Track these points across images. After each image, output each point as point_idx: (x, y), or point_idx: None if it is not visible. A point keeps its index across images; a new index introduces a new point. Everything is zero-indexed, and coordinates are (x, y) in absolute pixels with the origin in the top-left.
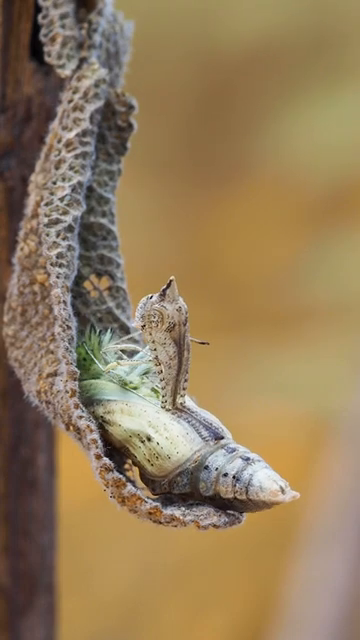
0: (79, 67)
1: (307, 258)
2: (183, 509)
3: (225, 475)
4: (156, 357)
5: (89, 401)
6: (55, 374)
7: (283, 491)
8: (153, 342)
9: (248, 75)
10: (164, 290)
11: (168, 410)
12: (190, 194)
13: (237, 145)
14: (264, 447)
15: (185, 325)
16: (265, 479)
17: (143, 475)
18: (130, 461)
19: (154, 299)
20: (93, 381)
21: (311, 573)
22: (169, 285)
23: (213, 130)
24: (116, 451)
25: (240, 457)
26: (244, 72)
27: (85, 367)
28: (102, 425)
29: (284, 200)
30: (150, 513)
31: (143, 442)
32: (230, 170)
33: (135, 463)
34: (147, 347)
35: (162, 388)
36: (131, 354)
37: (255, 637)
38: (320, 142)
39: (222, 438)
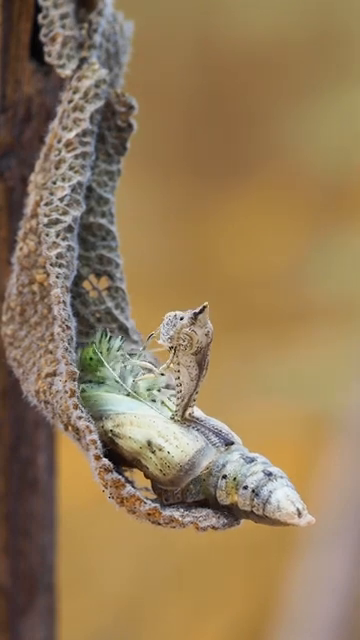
0: (79, 67)
1: (308, 258)
2: (182, 510)
3: (245, 488)
4: (178, 377)
5: (97, 415)
6: (54, 374)
7: (300, 514)
8: (178, 364)
9: (249, 75)
10: (196, 314)
11: (177, 421)
12: (190, 194)
13: (238, 145)
14: (264, 447)
15: (209, 346)
16: (283, 499)
17: (155, 486)
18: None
19: (185, 322)
20: (99, 393)
21: (311, 573)
22: (202, 310)
23: (214, 130)
24: (127, 463)
25: (263, 471)
26: (245, 72)
27: (91, 367)
28: (112, 439)
29: (285, 200)
30: (149, 514)
31: (154, 452)
32: (230, 170)
33: (147, 475)
34: (147, 350)
35: (177, 404)
36: (131, 355)
37: (255, 637)
38: (322, 142)
39: (232, 444)
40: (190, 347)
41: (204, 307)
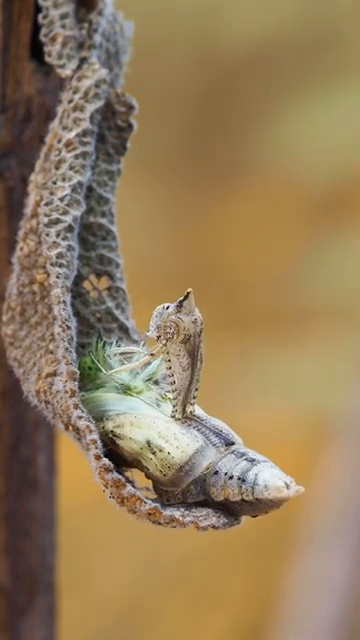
0: (79, 67)
1: (308, 258)
2: (182, 510)
3: (231, 477)
4: (169, 367)
5: (98, 416)
6: (54, 374)
7: (288, 486)
8: (167, 353)
9: (248, 75)
10: (181, 302)
11: (178, 420)
12: (190, 194)
13: (238, 145)
14: (264, 447)
15: (200, 336)
16: (269, 477)
17: (156, 487)
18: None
19: (171, 310)
20: (98, 394)
21: (311, 573)
22: (186, 297)
23: (213, 130)
24: (127, 464)
25: (246, 459)
26: (244, 72)
27: (90, 377)
28: (113, 440)
29: (285, 200)
30: (149, 514)
31: (154, 453)
32: (230, 170)
33: (148, 475)
34: (147, 348)
35: (174, 398)
36: (130, 355)
37: (255, 637)
38: (321, 142)
39: (233, 444)
40: (177, 335)
41: (188, 293)
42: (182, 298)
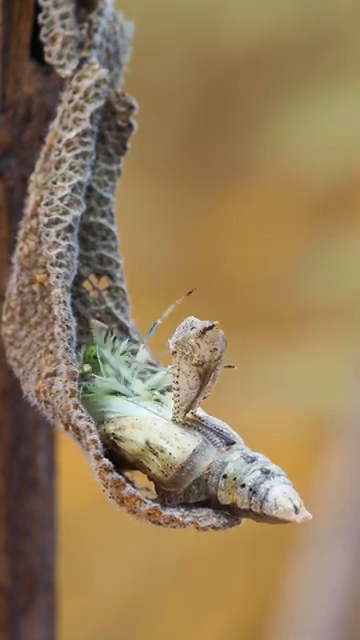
0: (79, 67)
1: (308, 258)
2: (182, 510)
3: (243, 486)
4: (176, 382)
5: (99, 418)
6: (54, 374)
7: (297, 511)
8: (178, 369)
9: (248, 75)
10: (205, 329)
11: (178, 422)
12: (190, 194)
13: (237, 145)
14: (264, 447)
15: (217, 363)
16: (280, 496)
17: (159, 488)
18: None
19: (193, 333)
20: (99, 395)
21: (311, 573)
22: (211, 328)
23: (213, 130)
24: (129, 465)
25: (260, 469)
26: (244, 72)
27: (94, 366)
28: (114, 442)
29: (285, 200)
30: (149, 514)
31: (156, 454)
32: (230, 170)
33: (150, 477)
34: (147, 349)
35: (175, 407)
36: (132, 353)
37: (255, 637)
38: (320, 142)
39: (234, 443)
40: (191, 358)
41: (213, 325)
42: (207, 326)
